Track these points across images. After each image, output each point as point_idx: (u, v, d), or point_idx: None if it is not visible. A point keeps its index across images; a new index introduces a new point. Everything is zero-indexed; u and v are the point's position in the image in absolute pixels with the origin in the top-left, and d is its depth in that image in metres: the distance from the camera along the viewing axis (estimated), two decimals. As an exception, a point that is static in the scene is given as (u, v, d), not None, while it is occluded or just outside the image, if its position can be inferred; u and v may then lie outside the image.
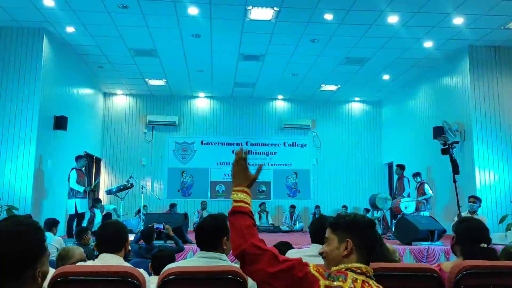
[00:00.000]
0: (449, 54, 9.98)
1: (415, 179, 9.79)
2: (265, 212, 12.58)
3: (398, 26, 8.56)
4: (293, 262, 1.64)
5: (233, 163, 1.92)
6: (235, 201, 1.83)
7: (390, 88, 12.79)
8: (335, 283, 1.59)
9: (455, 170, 7.66)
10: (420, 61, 10.55)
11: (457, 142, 8.31)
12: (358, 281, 1.62)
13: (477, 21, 8.28)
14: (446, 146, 7.78)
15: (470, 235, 2.52)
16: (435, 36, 9.04)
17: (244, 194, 1.84)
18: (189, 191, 13.40)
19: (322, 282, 1.59)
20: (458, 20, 8.28)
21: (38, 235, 1.50)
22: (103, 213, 10.03)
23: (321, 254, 1.82)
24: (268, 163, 13.75)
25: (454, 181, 7.50)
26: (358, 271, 1.67)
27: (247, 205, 1.81)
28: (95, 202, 10.05)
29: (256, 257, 1.65)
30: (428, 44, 9.45)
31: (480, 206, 7.93)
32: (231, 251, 2.63)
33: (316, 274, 1.61)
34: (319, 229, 2.61)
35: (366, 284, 1.62)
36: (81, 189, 8.70)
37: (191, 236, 7.32)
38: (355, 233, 1.74)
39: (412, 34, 8.95)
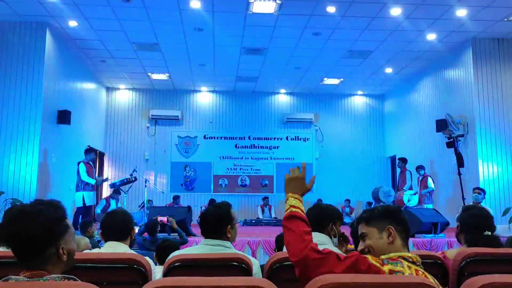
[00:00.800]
0: (452, 47, 9.94)
1: (419, 172, 9.79)
2: (268, 206, 12.61)
3: (401, 18, 8.53)
4: (356, 257, 1.65)
5: (289, 177, 1.93)
6: (293, 206, 1.82)
7: (393, 81, 12.76)
8: (396, 268, 1.64)
9: (460, 163, 7.66)
10: (423, 54, 10.52)
11: (462, 136, 8.29)
12: (412, 269, 1.66)
13: (480, 13, 8.24)
14: (451, 140, 7.77)
15: (474, 222, 2.53)
16: (438, 28, 9.01)
17: (298, 201, 1.85)
18: (192, 185, 13.43)
19: (385, 267, 1.63)
20: (461, 12, 8.25)
21: (58, 213, 1.55)
22: (118, 206, 10.14)
23: (362, 251, 1.81)
24: (270, 157, 13.77)
25: (459, 174, 7.51)
26: (410, 259, 1.70)
27: (302, 212, 1.81)
28: (115, 193, 10.08)
29: (320, 261, 1.64)
30: (431, 36, 9.42)
31: (484, 197, 7.94)
32: (235, 239, 2.68)
33: (376, 263, 1.65)
34: (317, 218, 2.60)
35: (420, 272, 1.66)
36: (92, 181, 8.77)
37: (195, 229, 7.36)
38: (393, 219, 1.80)
39: (415, 27, 8.92)
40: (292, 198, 1.84)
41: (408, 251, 1.77)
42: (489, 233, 2.49)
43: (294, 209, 1.79)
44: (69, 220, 1.60)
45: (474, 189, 8.05)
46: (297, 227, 1.73)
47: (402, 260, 1.69)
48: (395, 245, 1.76)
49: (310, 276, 1.61)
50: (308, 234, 1.73)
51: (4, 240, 1.51)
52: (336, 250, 2.23)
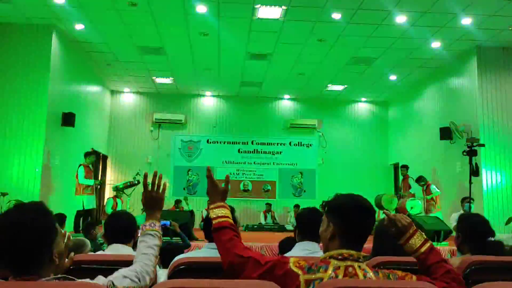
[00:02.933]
0: (457, 55, 9.95)
1: (420, 183, 9.77)
2: (270, 212, 12.60)
3: (406, 26, 8.55)
4: (274, 262, 1.66)
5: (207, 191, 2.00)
6: (213, 218, 1.89)
7: (397, 88, 12.76)
8: (315, 275, 1.57)
9: (475, 172, 7.64)
10: (427, 62, 10.53)
11: (483, 145, 8.14)
12: (341, 267, 1.59)
13: (485, 21, 8.26)
14: (472, 148, 7.71)
15: (476, 230, 2.51)
16: (443, 36, 9.02)
17: (221, 208, 1.91)
18: (194, 189, 13.44)
19: (302, 277, 1.58)
20: (466, 21, 8.26)
21: (47, 221, 1.51)
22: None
23: None
24: (273, 163, 13.77)
25: (470, 183, 7.51)
26: (340, 257, 1.63)
27: (225, 219, 1.87)
28: (119, 191, 10.11)
29: (242, 266, 1.69)
30: (436, 44, 9.43)
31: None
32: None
33: (296, 269, 1.60)
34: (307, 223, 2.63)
35: (350, 268, 1.59)
36: (90, 182, 8.76)
37: (197, 234, 7.36)
38: (338, 217, 1.69)
39: (420, 35, 8.94)
40: (212, 210, 1.91)
41: (352, 249, 1.65)
42: (492, 238, 2.48)
43: (215, 221, 1.87)
44: (55, 221, 1.57)
45: (465, 198, 8.04)
46: (220, 238, 1.81)
47: (332, 260, 1.62)
48: (333, 244, 1.67)
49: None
50: (232, 240, 1.78)
51: None
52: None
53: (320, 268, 1.59)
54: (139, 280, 1.68)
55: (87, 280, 1.55)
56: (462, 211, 7.95)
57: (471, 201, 7.85)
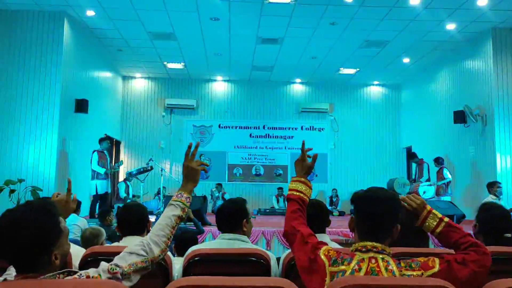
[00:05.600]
0: (471, 37, 9.77)
1: (437, 164, 9.69)
2: (282, 196, 12.65)
3: (420, 8, 8.39)
4: (312, 244, 1.75)
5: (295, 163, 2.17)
6: (290, 189, 2.07)
7: (410, 71, 12.60)
8: (338, 267, 1.62)
9: None
10: (441, 44, 10.36)
11: None
12: (365, 260, 1.62)
13: (501, 3, 8.06)
14: None
15: (494, 224, 2.48)
16: (458, 18, 8.85)
17: (300, 183, 2.06)
18: (207, 174, 13.52)
19: (328, 269, 1.64)
20: (481, 2, 8.08)
21: (50, 221, 1.49)
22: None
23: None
24: (285, 147, 13.77)
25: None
26: (363, 249, 1.66)
27: (299, 193, 2.03)
28: (129, 176, 10.24)
29: (293, 236, 1.87)
30: (450, 26, 9.26)
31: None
32: (251, 234, 2.74)
33: (324, 258, 1.66)
34: (318, 217, 2.67)
35: (373, 260, 1.62)
36: (102, 170, 8.90)
37: (210, 218, 7.43)
38: (354, 209, 1.79)
39: (434, 17, 8.77)
40: (292, 182, 2.08)
41: (370, 241, 1.68)
42: (509, 235, 2.45)
43: (289, 192, 2.06)
44: (63, 221, 1.56)
45: (493, 182, 7.95)
46: (287, 208, 2.01)
47: (356, 252, 1.66)
48: (355, 236, 1.75)
49: (292, 251, 1.87)
50: (294, 213, 1.95)
51: None
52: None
53: (344, 261, 1.64)
54: (147, 253, 1.62)
55: (91, 269, 1.52)
56: (491, 196, 7.83)
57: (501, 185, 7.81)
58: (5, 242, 1.43)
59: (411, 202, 1.83)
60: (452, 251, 1.79)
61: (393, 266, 1.61)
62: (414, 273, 1.61)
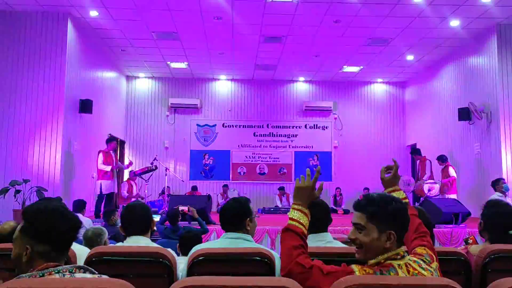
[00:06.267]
0: (476, 33, 9.71)
1: (441, 162, 9.65)
2: (285, 195, 12.64)
3: (424, 5, 8.35)
4: (338, 272, 1.63)
5: (298, 185, 1.94)
6: (291, 219, 1.88)
7: (414, 68, 12.55)
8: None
9: None
10: (446, 41, 10.31)
11: None
12: (402, 266, 1.61)
13: (506, -2, 8.02)
14: None
15: (499, 221, 2.47)
16: (462, 15, 8.80)
17: (302, 214, 1.89)
18: (211, 173, 13.54)
19: None
20: (486, -2, 8.04)
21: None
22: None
23: (353, 240, 1.75)
24: (289, 146, 13.76)
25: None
26: (399, 257, 1.64)
27: (301, 226, 1.86)
28: (134, 175, 10.29)
29: (304, 275, 1.66)
30: (454, 23, 9.21)
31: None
32: (255, 232, 2.73)
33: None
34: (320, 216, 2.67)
35: (409, 266, 1.63)
36: (107, 168, 8.92)
37: (214, 217, 7.44)
38: (398, 224, 1.67)
39: (438, 13, 8.73)
40: (294, 210, 1.89)
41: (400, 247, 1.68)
42: (513, 232, 2.43)
43: (290, 222, 1.86)
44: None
45: (498, 180, 7.91)
46: (287, 241, 1.79)
47: (392, 261, 1.63)
48: (389, 248, 1.65)
49: None
50: (297, 249, 1.75)
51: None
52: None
53: (389, 271, 1.59)
54: None
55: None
56: (497, 194, 7.79)
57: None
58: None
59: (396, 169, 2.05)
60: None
61: (425, 265, 1.65)
62: (433, 265, 1.69)
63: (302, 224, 1.86)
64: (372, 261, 1.65)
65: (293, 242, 1.78)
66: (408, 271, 1.60)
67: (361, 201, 1.76)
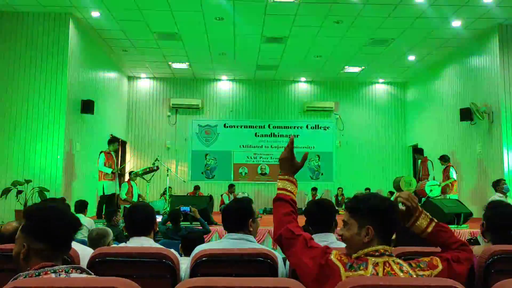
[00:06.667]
0: (477, 34, 9.70)
1: (443, 162, 9.62)
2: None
3: (425, 5, 8.35)
4: (320, 249, 1.70)
5: (280, 157, 1.98)
6: (279, 188, 1.94)
7: (415, 69, 12.54)
8: (357, 273, 1.60)
9: None
10: (447, 41, 10.30)
11: None
12: (379, 264, 1.62)
13: (508, -1, 8.01)
14: None
15: (501, 222, 2.46)
16: (464, 15, 8.79)
17: (288, 182, 1.94)
18: (212, 173, 13.54)
19: (343, 273, 1.60)
20: (488, -2, 8.03)
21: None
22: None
23: (341, 236, 1.80)
24: (290, 146, 13.74)
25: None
26: (377, 254, 1.66)
27: (289, 193, 1.91)
28: (141, 176, 10.27)
29: (291, 241, 1.77)
30: (456, 23, 9.20)
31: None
32: (257, 233, 2.74)
33: (338, 262, 1.63)
34: (325, 217, 2.67)
35: (387, 264, 1.62)
36: (108, 170, 8.92)
37: (216, 218, 7.44)
38: (375, 220, 1.69)
39: (440, 14, 8.72)
40: (281, 181, 1.94)
41: (386, 245, 1.70)
42: (515, 233, 2.43)
43: (279, 192, 1.92)
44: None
45: (498, 180, 7.90)
46: (278, 209, 1.89)
47: (369, 257, 1.64)
48: (370, 244, 1.68)
49: (287, 256, 1.78)
50: (288, 215, 1.85)
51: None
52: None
53: (360, 266, 1.62)
54: None
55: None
56: (497, 194, 7.78)
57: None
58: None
59: (412, 202, 1.84)
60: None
61: (407, 268, 1.63)
62: (426, 273, 1.65)
63: (289, 191, 1.92)
64: (354, 255, 1.70)
65: (283, 209, 1.87)
66: (384, 270, 1.60)
67: (350, 200, 1.86)
